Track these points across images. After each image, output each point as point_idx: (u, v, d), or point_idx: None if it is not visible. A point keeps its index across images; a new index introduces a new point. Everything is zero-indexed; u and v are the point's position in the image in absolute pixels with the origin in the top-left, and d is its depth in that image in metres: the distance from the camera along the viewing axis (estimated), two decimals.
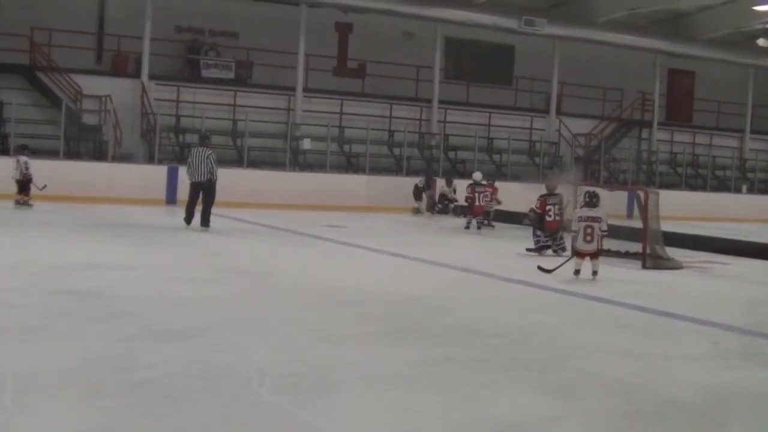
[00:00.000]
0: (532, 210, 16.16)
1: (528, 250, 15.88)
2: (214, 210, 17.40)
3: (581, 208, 13.27)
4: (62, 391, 5.60)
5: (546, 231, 15.82)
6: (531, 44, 32.72)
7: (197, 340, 7.23)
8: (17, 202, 20.04)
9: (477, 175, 22.08)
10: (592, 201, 13.09)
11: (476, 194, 21.19)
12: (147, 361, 6.42)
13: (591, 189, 13.67)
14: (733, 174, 36.03)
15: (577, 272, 12.69)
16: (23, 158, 20.35)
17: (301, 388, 5.93)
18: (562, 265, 12.96)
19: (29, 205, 19.92)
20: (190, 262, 12.57)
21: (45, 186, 20.07)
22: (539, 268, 13.04)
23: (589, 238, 12.73)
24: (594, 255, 12.79)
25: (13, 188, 20.32)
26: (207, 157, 17.16)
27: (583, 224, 12.79)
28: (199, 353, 6.77)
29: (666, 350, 8.00)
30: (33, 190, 20.25)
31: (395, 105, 30.79)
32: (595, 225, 12.77)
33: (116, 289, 9.64)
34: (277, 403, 5.59)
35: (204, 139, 17.96)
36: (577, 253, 12.95)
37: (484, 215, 21.62)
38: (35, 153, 21.90)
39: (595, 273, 12.67)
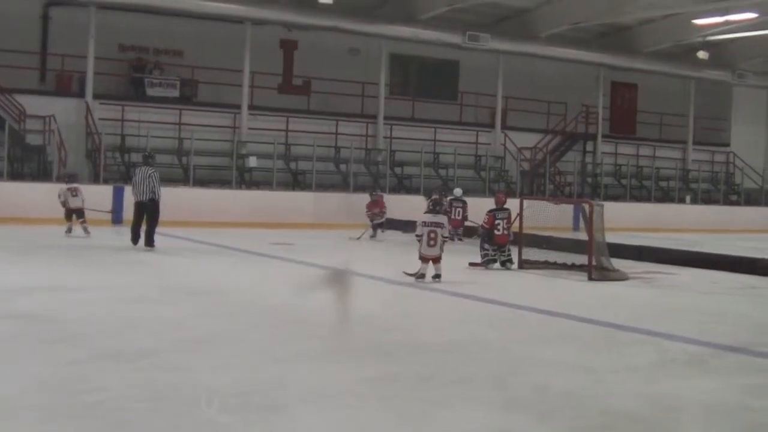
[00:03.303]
0: (481, 226, 16.30)
1: (471, 264, 15.95)
2: (160, 229, 17.29)
3: (425, 214, 13.78)
4: (11, 416, 5.56)
5: (495, 245, 15.94)
6: (475, 59, 32.97)
7: (147, 362, 7.21)
8: (85, 230, 19.07)
9: (457, 191, 23.47)
10: (435, 208, 13.72)
11: (453, 209, 22.15)
12: (97, 384, 6.39)
13: (436, 196, 14.12)
14: (676, 185, 36.49)
15: (422, 276, 13.25)
16: (73, 185, 19.55)
17: (252, 407, 5.94)
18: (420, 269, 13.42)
19: (87, 232, 19.03)
20: (138, 283, 12.47)
21: None
22: (405, 273, 13.55)
23: (432, 242, 13.26)
24: (436, 259, 13.32)
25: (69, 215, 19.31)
26: (149, 177, 17.05)
27: (426, 229, 13.32)
28: (150, 375, 6.75)
29: (613, 362, 8.11)
30: None
31: (341, 121, 30.82)
32: (438, 230, 13.32)
33: (64, 311, 9.57)
34: (228, 423, 5.60)
35: (147, 159, 17.86)
36: (423, 258, 13.37)
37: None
38: None
39: (438, 276, 13.23)
